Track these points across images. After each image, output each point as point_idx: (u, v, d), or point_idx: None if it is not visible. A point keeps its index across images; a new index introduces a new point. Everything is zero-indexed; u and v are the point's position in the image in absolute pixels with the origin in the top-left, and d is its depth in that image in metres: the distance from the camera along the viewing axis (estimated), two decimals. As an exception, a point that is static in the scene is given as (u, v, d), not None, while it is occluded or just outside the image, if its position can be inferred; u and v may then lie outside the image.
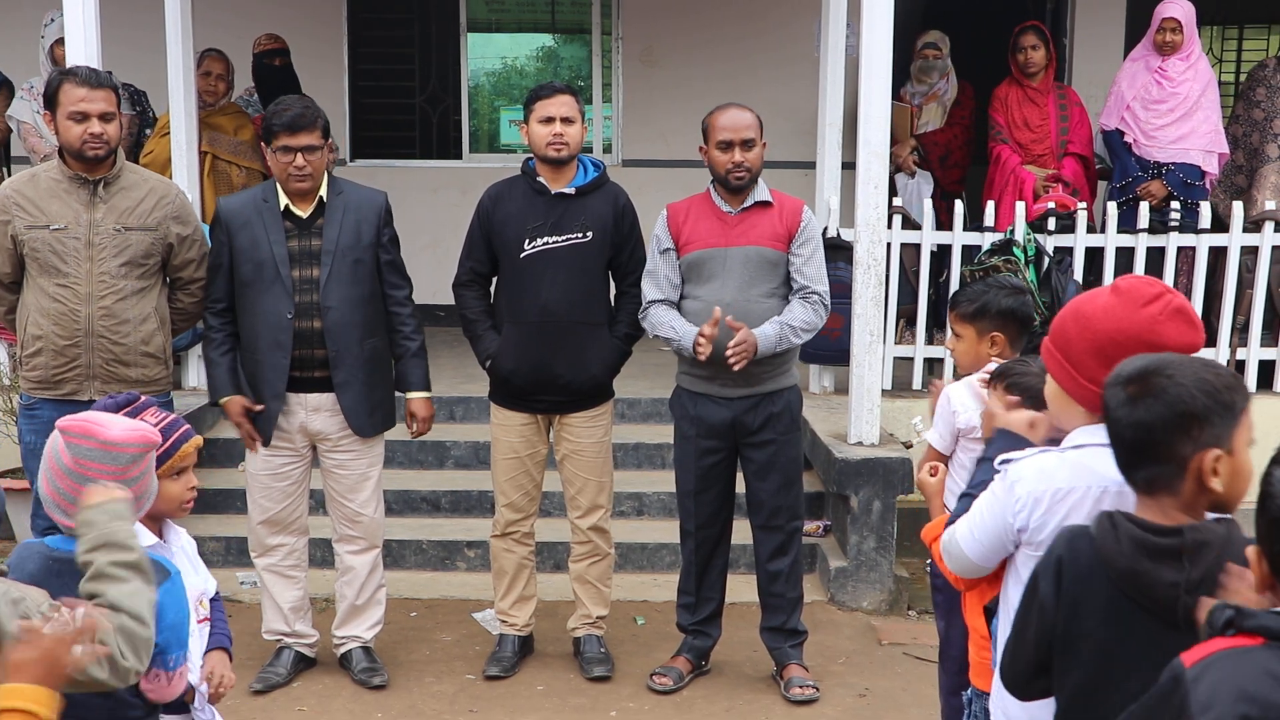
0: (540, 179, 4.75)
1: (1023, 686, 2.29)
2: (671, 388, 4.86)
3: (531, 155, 4.81)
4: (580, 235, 4.71)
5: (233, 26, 8.17)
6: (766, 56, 8.95)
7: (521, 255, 4.71)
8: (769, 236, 4.62)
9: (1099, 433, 2.26)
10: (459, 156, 9.56)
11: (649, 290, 4.68)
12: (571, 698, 4.78)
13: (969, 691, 3.22)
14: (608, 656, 4.99)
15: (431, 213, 8.88)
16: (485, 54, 10.31)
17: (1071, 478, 2.34)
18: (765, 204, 4.67)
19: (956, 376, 4.17)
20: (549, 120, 4.66)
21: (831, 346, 6.30)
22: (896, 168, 7.42)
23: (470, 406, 6.90)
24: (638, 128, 9.28)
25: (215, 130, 7.18)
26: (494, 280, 4.91)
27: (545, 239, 4.70)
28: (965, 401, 3.74)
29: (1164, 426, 2.04)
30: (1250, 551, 1.76)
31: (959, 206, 6.55)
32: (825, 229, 6.50)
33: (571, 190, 4.73)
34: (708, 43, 9.07)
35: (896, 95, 7.10)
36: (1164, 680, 1.73)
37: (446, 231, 8.24)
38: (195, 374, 6.84)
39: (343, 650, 4.91)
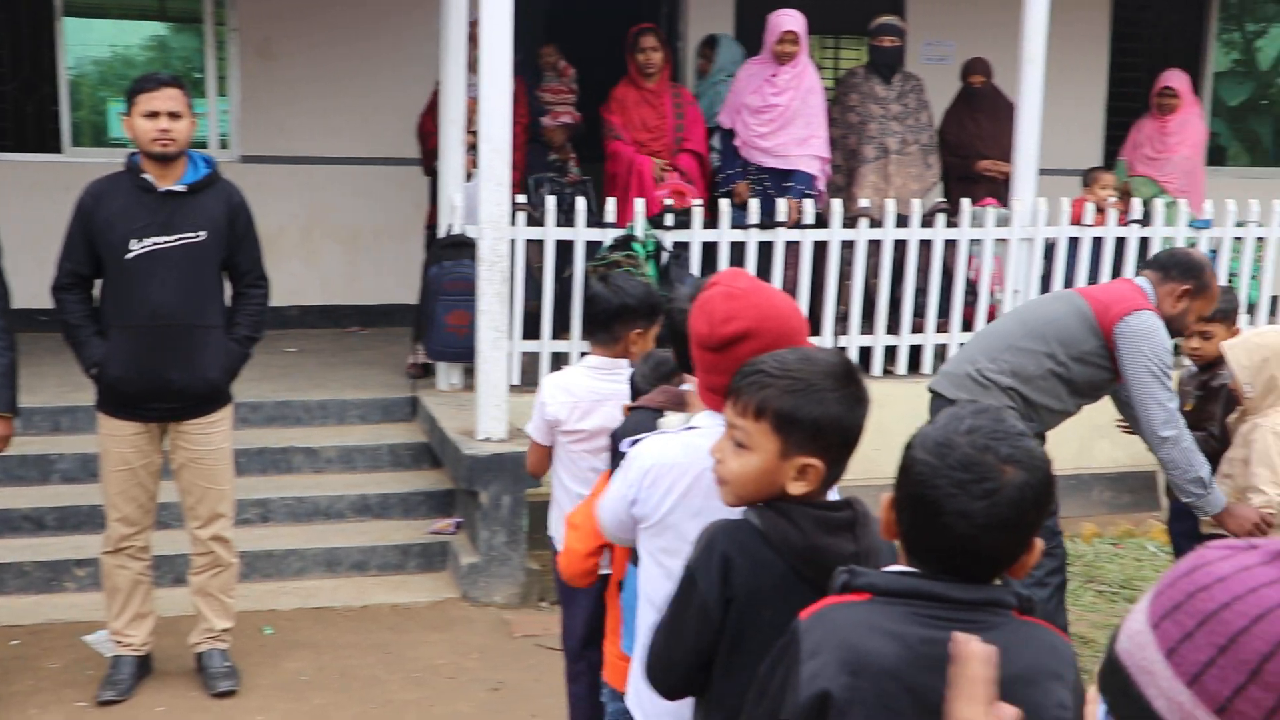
0: (146, 175, 4.51)
1: (677, 688, 2.28)
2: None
3: (136, 151, 4.56)
4: (192, 235, 4.51)
5: None
6: (386, 56, 8.86)
7: (128, 256, 4.46)
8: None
9: (717, 419, 2.37)
10: (59, 150, 8.95)
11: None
12: (195, 716, 4.58)
13: (605, 691, 3.27)
14: (233, 670, 4.81)
15: (29, 211, 8.26)
16: (88, 41, 9.68)
17: (680, 455, 2.42)
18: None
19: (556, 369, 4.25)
20: (154, 115, 4.43)
21: (459, 344, 6.31)
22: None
23: (78, 416, 6.47)
24: (257, 123, 8.96)
25: None
26: (97, 283, 4.63)
27: (154, 239, 4.47)
28: (554, 394, 3.84)
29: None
30: (884, 498, 1.89)
31: (580, 203, 6.69)
32: (450, 227, 6.51)
33: (182, 188, 4.52)
34: (329, 39, 8.87)
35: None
36: (788, 633, 1.84)
37: (46, 231, 7.70)
38: None
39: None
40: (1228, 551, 1.19)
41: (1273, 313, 7.80)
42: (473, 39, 6.30)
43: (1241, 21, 11.06)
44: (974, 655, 1.64)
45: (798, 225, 6.94)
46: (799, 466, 2.13)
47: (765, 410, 2.14)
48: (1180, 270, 4.48)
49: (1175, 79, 8.45)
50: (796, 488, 2.14)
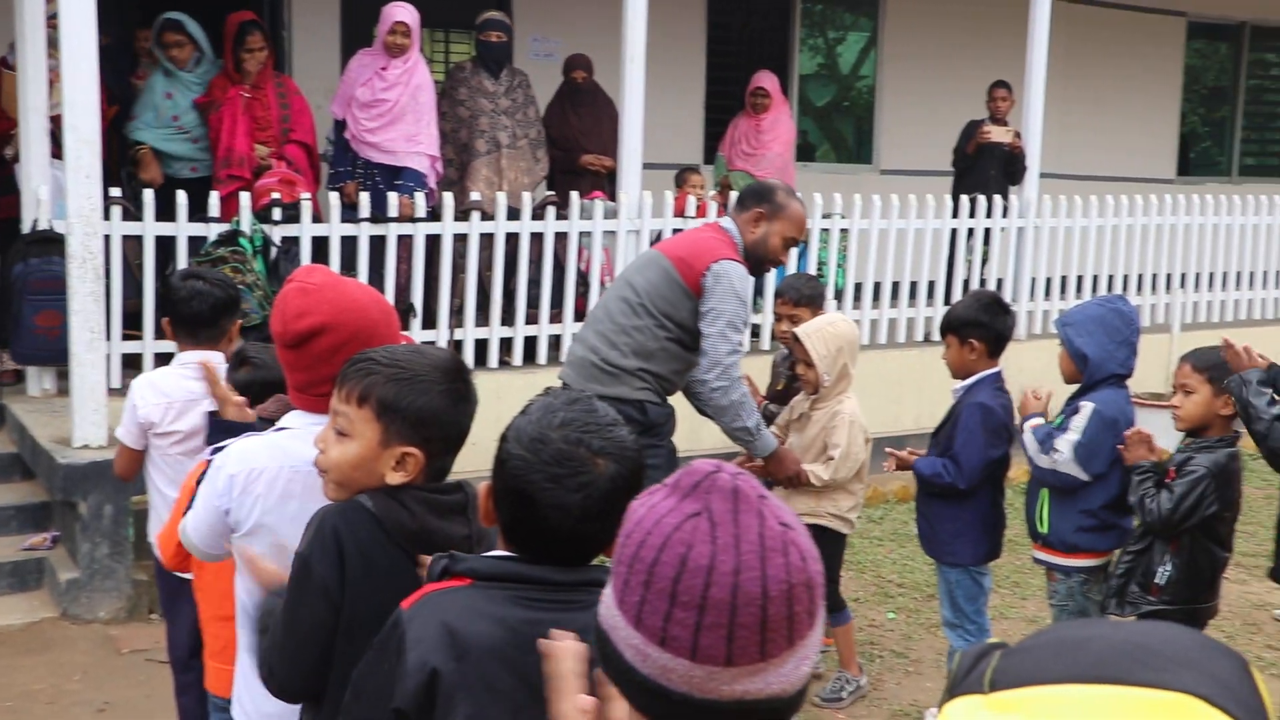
0: None
1: (298, 686, 2.20)
2: None
3: None
4: None
5: None
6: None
7: None
8: None
9: (308, 418, 2.38)
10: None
11: None
12: None
13: (212, 702, 3.18)
14: None
15: None
16: None
17: (268, 458, 2.38)
18: None
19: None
20: None
21: (50, 346, 5.92)
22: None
23: None
24: None
25: None
26: None
27: None
28: (146, 396, 3.70)
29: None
30: (482, 487, 1.91)
31: (181, 196, 6.40)
32: (36, 221, 6.09)
33: None
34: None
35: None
36: (390, 623, 1.83)
37: None
38: None
39: None
40: (645, 495, 1.30)
41: (857, 299, 8.41)
42: (52, 19, 5.91)
43: (824, 28, 11.85)
44: (563, 653, 1.65)
45: (411, 219, 6.91)
46: (398, 455, 2.14)
47: (368, 397, 2.13)
48: (752, 197, 4.63)
49: (766, 80, 8.98)
50: (395, 477, 2.15)
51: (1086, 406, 4.15)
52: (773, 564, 1.21)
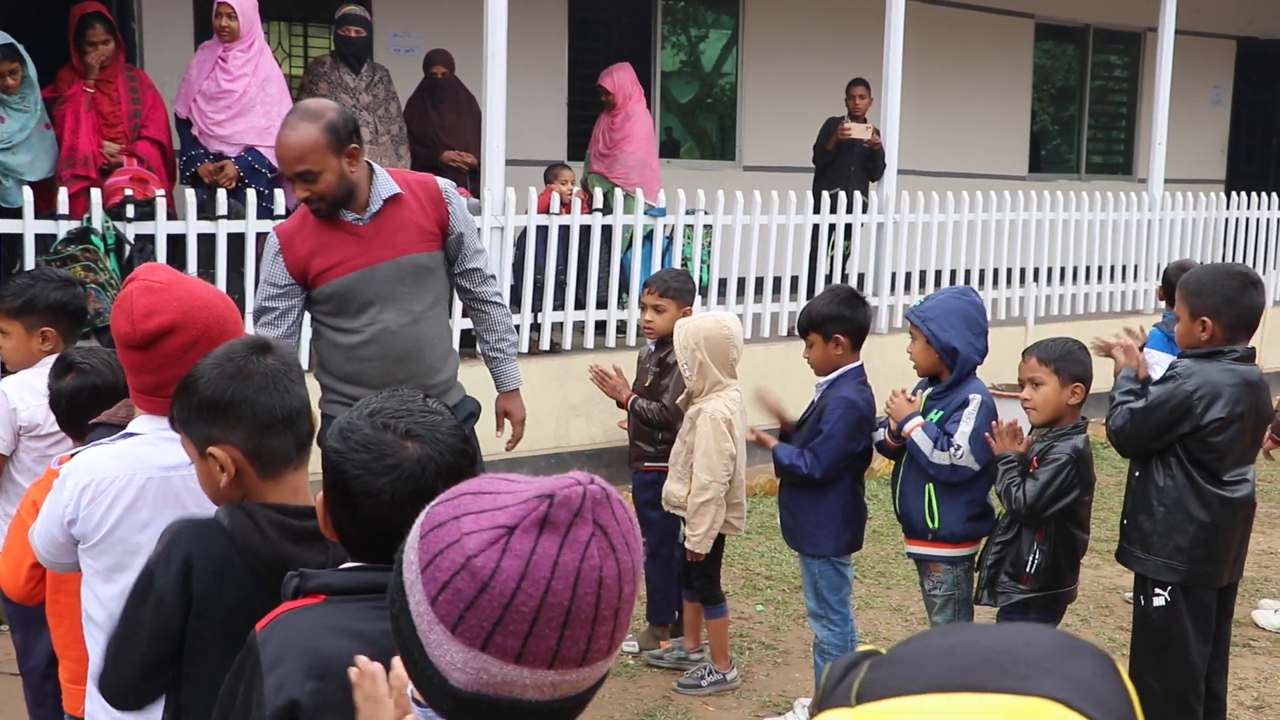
0: None
1: (127, 696, 2.16)
2: None
3: None
4: None
5: None
6: None
7: None
8: (416, 239, 4.03)
9: (155, 423, 2.32)
10: None
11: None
12: None
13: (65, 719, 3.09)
14: None
15: None
16: None
17: (118, 467, 2.32)
18: (396, 198, 3.99)
19: (6, 373, 3.93)
20: None
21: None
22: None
23: None
24: None
25: None
26: None
27: None
28: (25, 397, 3.58)
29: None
30: (319, 497, 1.89)
31: (26, 192, 6.18)
32: None
33: None
34: None
35: None
36: (246, 646, 1.78)
37: None
38: None
39: None
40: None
41: (721, 294, 8.48)
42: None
43: (686, 25, 11.93)
44: (368, 674, 1.60)
45: (273, 216, 6.76)
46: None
47: None
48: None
49: (607, 79, 8.67)
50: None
51: (975, 399, 4.19)
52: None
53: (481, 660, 1.25)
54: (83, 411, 3.05)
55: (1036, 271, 10.03)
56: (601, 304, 7.93)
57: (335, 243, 3.92)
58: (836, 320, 4.45)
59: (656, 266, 7.77)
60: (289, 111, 4.03)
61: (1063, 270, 10.22)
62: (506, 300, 4.39)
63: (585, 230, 7.81)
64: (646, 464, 5.17)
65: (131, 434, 2.38)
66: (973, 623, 3.65)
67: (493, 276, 4.41)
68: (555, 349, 7.71)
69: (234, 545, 2.07)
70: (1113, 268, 10.57)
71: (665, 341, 5.13)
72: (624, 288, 7.92)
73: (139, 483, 2.30)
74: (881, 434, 4.47)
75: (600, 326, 7.95)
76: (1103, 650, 0.97)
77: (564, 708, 1.30)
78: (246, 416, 2.09)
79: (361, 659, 1.62)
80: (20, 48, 6.47)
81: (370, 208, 3.91)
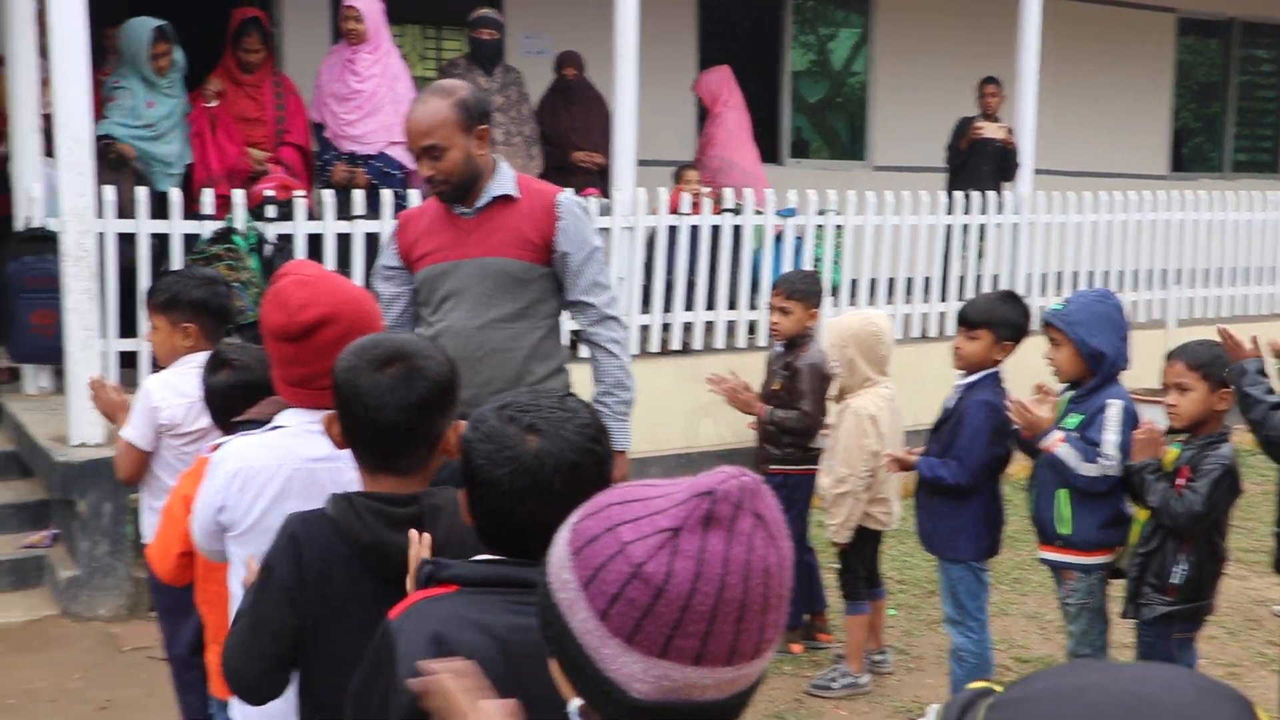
0: None
1: (255, 689, 2.18)
2: None
3: None
4: None
5: None
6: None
7: None
8: (511, 243, 3.77)
9: (302, 415, 2.37)
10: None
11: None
12: None
13: (212, 702, 3.16)
14: None
15: None
16: None
17: (266, 457, 2.37)
18: (507, 199, 3.78)
19: (157, 368, 4.04)
20: None
21: (47, 344, 5.90)
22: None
23: None
24: None
25: None
26: None
27: None
28: (166, 397, 3.68)
29: (431, 403, 2.12)
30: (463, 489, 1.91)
31: (175, 194, 6.37)
32: (29, 219, 6.07)
33: None
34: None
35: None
36: (379, 635, 1.81)
37: None
38: None
39: None
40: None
41: (853, 295, 8.40)
42: (41, 18, 5.88)
43: (815, 25, 11.85)
44: (445, 680, 1.60)
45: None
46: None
47: None
48: None
49: (699, 86, 8.85)
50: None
51: (1115, 404, 4.06)
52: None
53: (662, 667, 1.24)
54: (234, 407, 3.10)
55: (1179, 273, 9.76)
56: (732, 305, 7.91)
57: (438, 230, 3.81)
58: (1011, 325, 4.38)
59: (787, 268, 7.73)
60: (422, 90, 3.97)
61: (1206, 272, 9.93)
62: (627, 353, 3.97)
63: (715, 230, 7.79)
64: (773, 466, 5.16)
65: (278, 426, 2.43)
66: (1094, 660, 3.55)
67: (614, 319, 3.89)
68: (686, 349, 7.72)
69: (339, 533, 2.10)
70: (1259, 269, 10.24)
71: (793, 343, 5.12)
72: (754, 288, 7.90)
73: (285, 474, 2.35)
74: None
75: (730, 327, 7.93)
76: (1241, 694, 0.93)
77: (738, 704, 1.29)
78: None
79: (422, 665, 1.62)
80: (172, 31, 6.73)
81: (479, 202, 3.75)
